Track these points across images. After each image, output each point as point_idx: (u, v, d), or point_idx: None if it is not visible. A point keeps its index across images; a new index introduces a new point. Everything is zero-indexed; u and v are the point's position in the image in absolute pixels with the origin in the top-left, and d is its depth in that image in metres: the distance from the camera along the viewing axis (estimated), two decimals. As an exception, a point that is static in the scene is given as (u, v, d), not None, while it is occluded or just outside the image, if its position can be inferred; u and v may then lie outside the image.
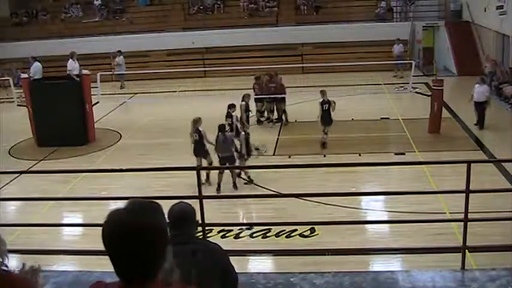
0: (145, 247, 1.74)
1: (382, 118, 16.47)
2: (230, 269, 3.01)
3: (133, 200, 1.84)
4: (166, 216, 1.94)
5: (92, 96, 16.17)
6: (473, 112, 15.18)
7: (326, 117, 13.84)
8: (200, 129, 11.80)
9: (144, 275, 1.77)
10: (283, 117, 16.58)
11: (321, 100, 13.93)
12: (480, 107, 14.87)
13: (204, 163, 11.76)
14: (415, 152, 13.27)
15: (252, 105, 15.70)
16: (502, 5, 18.92)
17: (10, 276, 1.93)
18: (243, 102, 14.49)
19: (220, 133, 11.53)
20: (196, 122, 11.86)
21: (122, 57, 23.41)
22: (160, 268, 1.80)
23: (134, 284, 1.78)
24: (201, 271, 2.77)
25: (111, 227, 1.75)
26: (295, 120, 16.75)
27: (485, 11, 21.24)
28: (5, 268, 2.18)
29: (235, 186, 11.46)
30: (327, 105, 13.85)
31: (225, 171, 11.46)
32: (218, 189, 11.26)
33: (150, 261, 1.77)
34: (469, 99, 15.20)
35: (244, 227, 9.67)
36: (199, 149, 11.82)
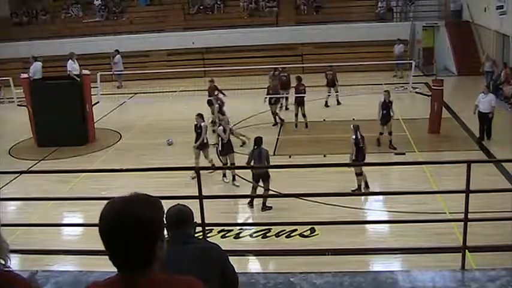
0: (136, 237, 1.76)
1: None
2: (229, 269, 3.01)
3: (131, 193, 1.87)
4: (164, 214, 1.96)
5: (92, 96, 16.17)
6: (478, 124, 14.32)
7: (386, 116, 13.98)
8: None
9: (137, 265, 1.78)
10: (278, 118, 16.60)
11: (382, 100, 13.99)
12: (486, 118, 14.08)
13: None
14: (415, 152, 13.27)
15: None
16: (502, 5, 18.93)
17: (12, 276, 1.93)
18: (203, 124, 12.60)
19: (256, 148, 10.66)
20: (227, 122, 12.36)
21: (118, 56, 23.43)
22: (155, 260, 1.82)
23: (128, 275, 1.80)
24: (200, 271, 2.77)
25: (105, 215, 1.79)
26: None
27: (485, 11, 21.25)
28: (7, 269, 2.19)
29: (264, 207, 10.48)
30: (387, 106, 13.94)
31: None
32: (251, 203, 10.68)
33: (143, 252, 1.78)
34: (473, 110, 14.35)
35: (243, 227, 9.69)
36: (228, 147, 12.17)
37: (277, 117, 16.60)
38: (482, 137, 14.16)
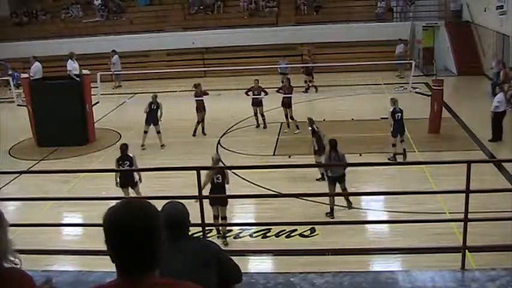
0: (145, 242, 1.79)
1: (382, 118, 16.41)
2: (227, 261, 3.01)
3: (130, 199, 1.88)
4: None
5: (92, 96, 16.17)
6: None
7: (398, 127, 12.84)
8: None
9: (141, 268, 1.81)
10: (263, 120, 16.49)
11: (392, 109, 12.94)
12: (494, 118, 13.84)
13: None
14: (415, 152, 13.26)
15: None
16: (502, 5, 18.91)
17: (20, 272, 1.96)
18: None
19: (332, 150, 10.33)
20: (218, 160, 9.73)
21: (116, 56, 23.44)
22: (157, 264, 1.85)
23: (131, 278, 1.81)
24: (196, 266, 2.77)
25: (115, 218, 1.80)
26: (295, 120, 16.73)
27: (485, 11, 21.24)
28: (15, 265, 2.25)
29: (349, 203, 10.24)
30: (400, 115, 12.84)
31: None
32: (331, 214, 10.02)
33: (148, 256, 1.81)
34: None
35: (243, 227, 9.68)
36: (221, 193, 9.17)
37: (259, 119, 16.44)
38: (493, 137, 13.98)
